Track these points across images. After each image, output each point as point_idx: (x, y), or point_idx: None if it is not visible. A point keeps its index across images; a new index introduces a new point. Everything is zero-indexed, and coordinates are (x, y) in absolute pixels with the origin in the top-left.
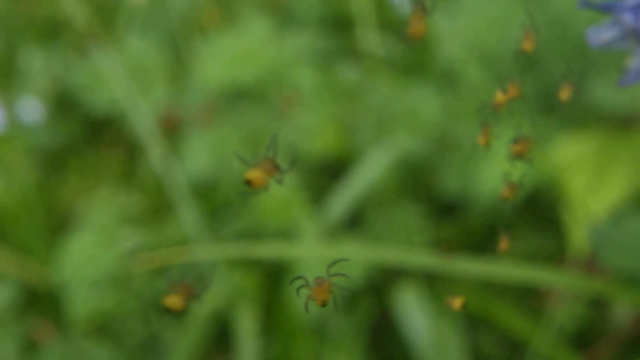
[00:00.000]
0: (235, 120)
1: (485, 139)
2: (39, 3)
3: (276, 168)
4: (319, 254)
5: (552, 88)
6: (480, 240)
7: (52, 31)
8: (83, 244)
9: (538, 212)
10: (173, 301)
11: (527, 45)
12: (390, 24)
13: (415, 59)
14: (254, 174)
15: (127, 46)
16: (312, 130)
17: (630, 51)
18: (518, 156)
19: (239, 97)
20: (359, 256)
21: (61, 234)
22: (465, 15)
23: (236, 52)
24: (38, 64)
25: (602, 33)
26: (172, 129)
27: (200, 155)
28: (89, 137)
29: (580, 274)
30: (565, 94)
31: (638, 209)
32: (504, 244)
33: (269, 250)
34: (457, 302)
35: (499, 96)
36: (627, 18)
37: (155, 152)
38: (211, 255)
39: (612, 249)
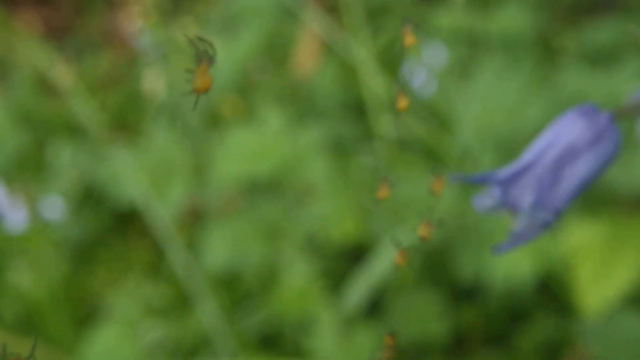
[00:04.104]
0: (253, 212)
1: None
2: (67, 98)
3: None
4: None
5: None
6: (501, 324)
7: (77, 128)
8: (108, 337)
9: (554, 295)
10: None
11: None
12: (411, 108)
13: (434, 143)
14: None
15: (151, 140)
16: (330, 219)
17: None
18: (434, 193)
19: (257, 189)
20: None
21: (88, 326)
22: (480, 101)
23: (251, 147)
24: (66, 157)
25: (484, 200)
26: (196, 219)
27: (220, 248)
28: (117, 227)
29: None
30: (382, 193)
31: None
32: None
33: None
34: None
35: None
36: (495, 193)
37: (175, 249)
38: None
39: (605, 346)
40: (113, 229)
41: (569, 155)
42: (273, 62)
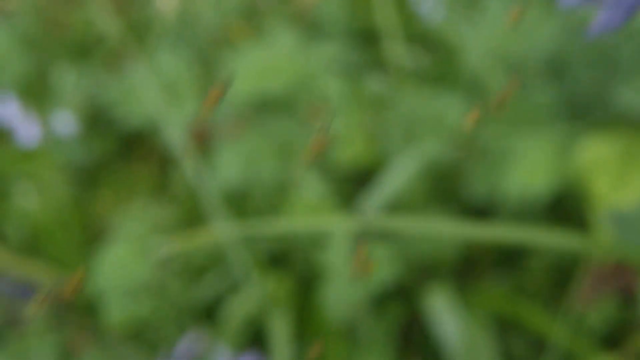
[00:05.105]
0: (264, 131)
1: None
2: (69, 26)
3: None
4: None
5: (578, 96)
6: (510, 247)
7: (83, 53)
8: (117, 253)
9: (566, 215)
10: None
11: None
12: (418, 36)
13: (442, 68)
14: None
15: (158, 61)
16: (340, 138)
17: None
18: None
19: (269, 108)
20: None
21: (95, 247)
22: (488, 23)
23: (264, 63)
24: (70, 82)
25: None
26: (203, 143)
27: (232, 165)
28: (121, 153)
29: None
30: None
31: None
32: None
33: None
34: None
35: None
36: None
37: (187, 162)
38: (233, 234)
39: (634, 232)
40: (116, 154)
41: None
42: None
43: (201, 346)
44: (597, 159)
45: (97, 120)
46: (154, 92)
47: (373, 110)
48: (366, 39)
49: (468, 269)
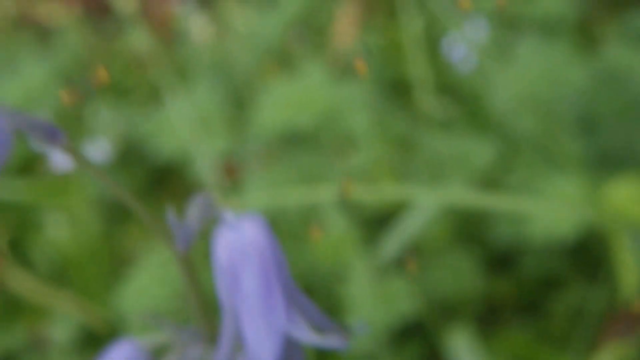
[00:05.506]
0: (291, 164)
1: None
2: (108, 63)
3: None
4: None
5: (609, 149)
6: (534, 293)
7: (119, 88)
8: (142, 278)
9: (591, 262)
10: None
11: None
12: (449, 86)
13: (471, 117)
14: None
15: (192, 97)
16: (366, 172)
17: None
18: None
19: (296, 141)
20: None
21: (121, 279)
22: (517, 67)
23: (293, 96)
24: (106, 115)
25: None
26: (231, 178)
27: (259, 198)
28: (150, 188)
29: None
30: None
31: None
32: None
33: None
34: None
35: None
36: None
37: (217, 191)
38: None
39: None
40: (146, 190)
41: None
42: (312, 33)
43: (211, 209)
44: (625, 199)
45: (128, 155)
46: (187, 126)
47: (400, 149)
48: (397, 88)
49: (491, 315)
